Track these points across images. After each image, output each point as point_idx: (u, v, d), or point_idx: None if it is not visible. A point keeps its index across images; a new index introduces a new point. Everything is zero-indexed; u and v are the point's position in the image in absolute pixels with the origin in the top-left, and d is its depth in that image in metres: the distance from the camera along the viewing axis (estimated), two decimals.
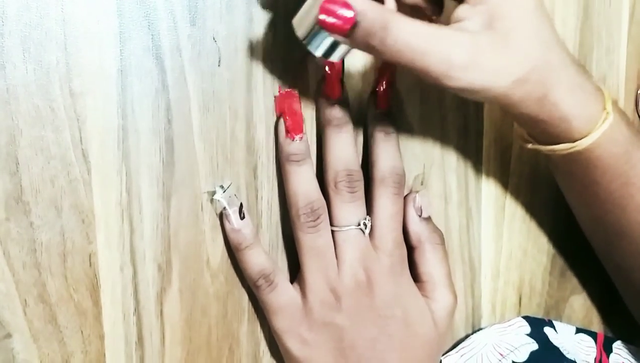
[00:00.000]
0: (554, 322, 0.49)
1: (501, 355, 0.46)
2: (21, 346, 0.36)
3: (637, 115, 0.53)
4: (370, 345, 0.40)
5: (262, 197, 0.41)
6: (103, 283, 0.38)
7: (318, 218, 0.39)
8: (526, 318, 0.49)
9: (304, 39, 0.35)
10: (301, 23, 0.35)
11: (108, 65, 0.36)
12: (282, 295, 0.40)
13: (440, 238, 0.44)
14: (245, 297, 0.41)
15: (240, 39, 0.39)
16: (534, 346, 0.47)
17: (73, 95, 0.35)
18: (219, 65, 0.39)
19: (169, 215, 0.39)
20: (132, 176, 0.37)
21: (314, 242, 0.39)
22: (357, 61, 0.42)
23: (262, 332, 0.42)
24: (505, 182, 0.48)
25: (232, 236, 0.39)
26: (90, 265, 0.37)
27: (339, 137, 0.40)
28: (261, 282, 0.39)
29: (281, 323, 0.40)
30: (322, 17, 0.33)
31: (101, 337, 0.38)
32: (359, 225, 0.40)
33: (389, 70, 0.42)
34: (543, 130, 0.39)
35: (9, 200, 0.35)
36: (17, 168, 0.35)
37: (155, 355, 0.39)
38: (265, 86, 0.40)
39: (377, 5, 0.34)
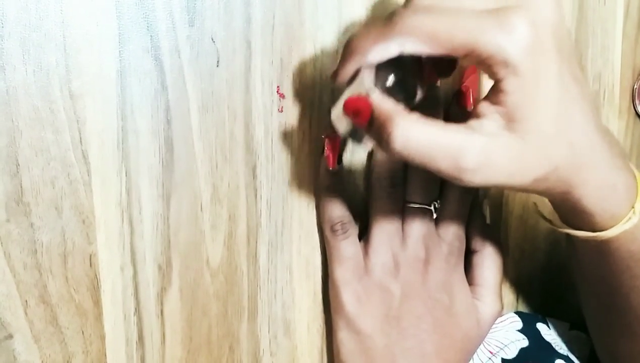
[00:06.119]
0: (548, 319, 0.50)
1: (491, 352, 0.46)
2: (22, 347, 0.36)
3: (633, 110, 0.53)
4: (415, 322, 0.41)
5: (261, 196, 0.41)
6: (103, 284, 0.38)
7: (395, 187, 0.42)
8: (519, 313, 0.49)
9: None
10: (338, 115, 0.37)
11: (107, 67, 0.36)
12: (351, 246, 0.42)
13: (501, 249, 0.45)
14: (245, 296, 0.42)
15: (239, 40, 0.39)
16: (524, 343, 0.47)
17: (73, 97, 0.36)
18: (217, 66, 0.39)
19: (168, 216, 0.39)
20: (132, 177, 0.38)
21: (387, 207, 0.42)
22: None
23: (262, 330, 0.42)
24: None
25: (327, 177, 0.41)
26: (90, 265, 0.37)
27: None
28: (338, 227, 0.41)
29: (342, 274, 0.42)
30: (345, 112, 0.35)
31: (102, 337, 0.38)
32: (429, 205, 0.42)
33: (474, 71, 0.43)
34: (563, 214, 0.39)
35: (10, 202, 0.35)
36: (17, 169, 0.35)
37: (155, 354, 0.39)
38: (263, 86, 0.40)
39: (389, 105, 0.34)
